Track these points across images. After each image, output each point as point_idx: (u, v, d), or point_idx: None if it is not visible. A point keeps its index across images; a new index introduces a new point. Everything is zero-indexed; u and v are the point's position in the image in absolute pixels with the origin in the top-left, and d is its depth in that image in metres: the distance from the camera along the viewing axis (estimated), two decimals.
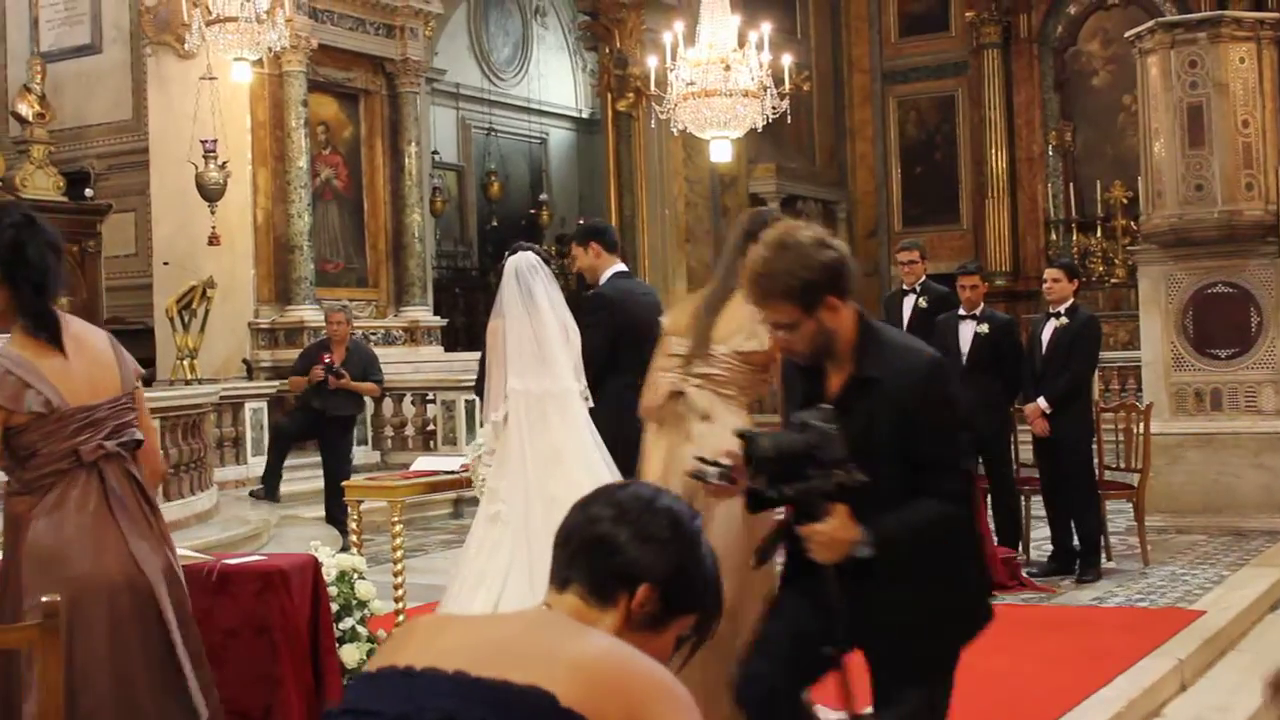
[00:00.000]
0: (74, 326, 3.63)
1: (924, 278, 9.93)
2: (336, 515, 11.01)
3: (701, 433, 4.78)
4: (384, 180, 16.43)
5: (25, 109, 15.44)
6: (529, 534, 5.46)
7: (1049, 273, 9.26)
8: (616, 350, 6.29)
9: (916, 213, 23.80)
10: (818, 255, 3.41)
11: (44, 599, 3.13)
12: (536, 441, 5.52)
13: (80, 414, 3.53)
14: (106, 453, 3.54)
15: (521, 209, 23.51)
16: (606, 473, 5.47)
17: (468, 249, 23.29)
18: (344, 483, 7.23)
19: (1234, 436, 10.64)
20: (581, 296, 7.04)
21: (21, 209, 3.67)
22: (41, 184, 15.14)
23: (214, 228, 13.79)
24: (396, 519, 6.50)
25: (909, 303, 9.85)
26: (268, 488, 11.71)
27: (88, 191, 15.73)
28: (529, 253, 5.84)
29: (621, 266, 6.70)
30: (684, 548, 2.18)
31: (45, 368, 3.52)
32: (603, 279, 6.62)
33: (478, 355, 17.00)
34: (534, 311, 5.65)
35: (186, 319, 13.72)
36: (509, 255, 5.84)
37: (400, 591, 6.46)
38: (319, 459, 11.68)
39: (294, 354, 13.58)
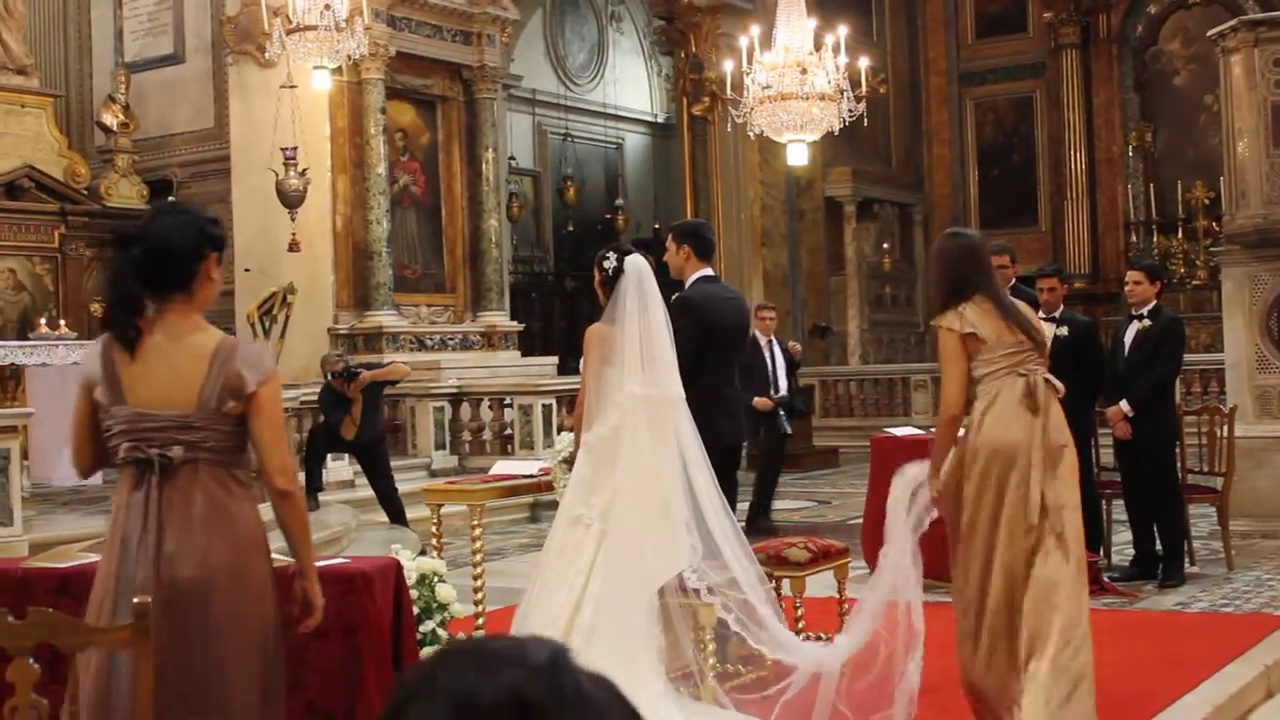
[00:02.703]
0: (169, 336, 3.65)
1: (1014, 281, 9.82)
2: (395, 522, 11.18)
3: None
4: (461, 186, 16.54)
5: (110, 119, 15.68)
6: (611, 538, 5.49)
7: (1131, 275, 9.16)
8: (703, 355, 6.27)
9: (994, 215, 23.65)
10: None
11: (135, 600, 3.19)
12: (644, 447, 5.51)
13: (134, 417, 3.58)
14: (135, 459, 3.57)
15: (597, 214, 23.59)
16: (708, 488, 5.47)
17: (544, 254, 23.40)
18: (424, 487, 7.26)
19: None
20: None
21: (126, 230, 3.75)
22: (125, 192, 15.39)
23: (294, 234, 13.95)
24: (476, 523, 6.54)
25: None
26: (309, 495, 11.54)
27: (170, 199, 15.96)
28: (640, 256, 5.80)
29: (708, 271, 6.68)
30: None
31: (123, 365, 3.62)
32: (688, 282, 6.61)
33: (554, 359, 17.19)
34: (651, 316, 5.62)
35: (267, 324, 13.88)
36: (620, 257, 5.77)
37: (480, 595, 6.50)
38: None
39: (372, 359, 13.70)
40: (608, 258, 5.79)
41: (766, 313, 12.77)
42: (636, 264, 5.69)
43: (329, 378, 11.33)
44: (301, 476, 11.39)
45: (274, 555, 3.90)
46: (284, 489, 3.67)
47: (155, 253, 3.63)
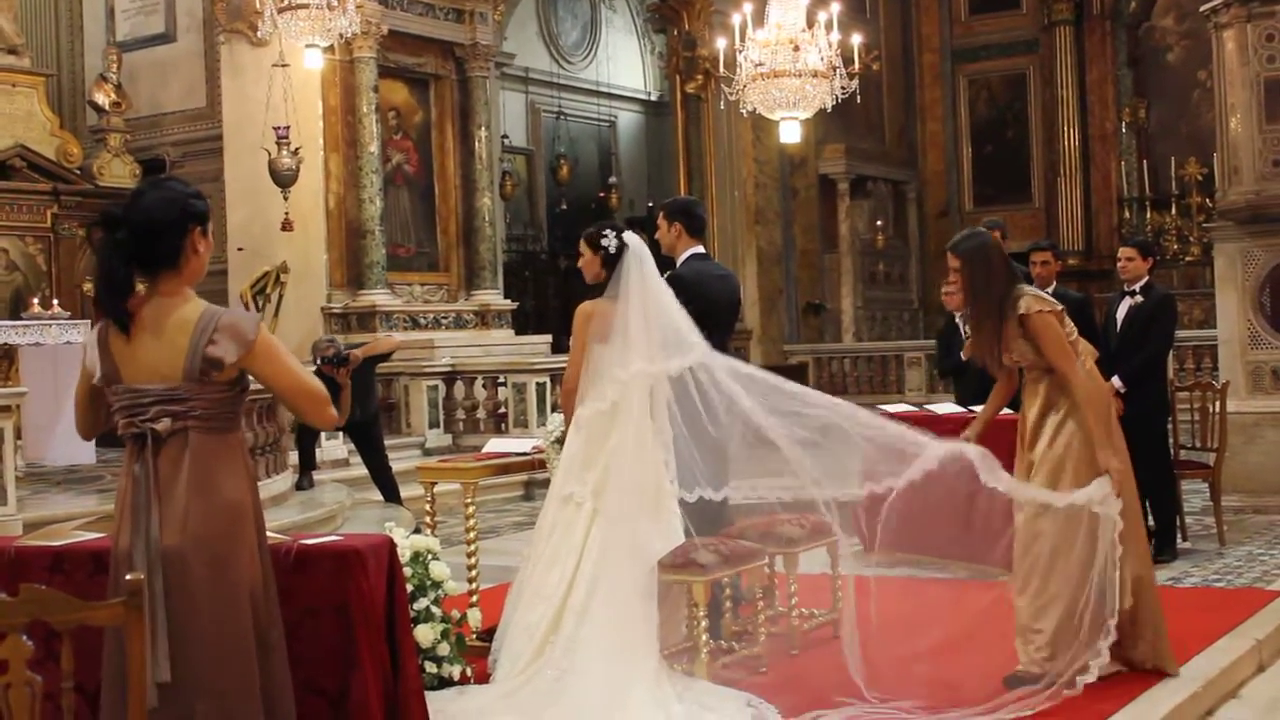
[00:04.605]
0: (157, 312, 3.68)
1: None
2: (390, 500, 11.22)
3: None
4: (454, 165, 16.52)
5: (102, 98, 15.64)
6: (605, 516, 5.50)
7: (1123, 251, 9.16)
8: None
9: (988, 192, 23.65)
10: None
11: (128, 577, 3.21)
12: (646, 425, 5.52)
13: (129, 393, 3.65)
14: (132, 434, 3.65)
15: (591, 192, 23.54)
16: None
17: (537, 232, 23.37)
18: (418, 465, 7.25)
19: None
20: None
21: (110, 211, 3.75)
22: (118, 172, 15.35)
23: (287, 213, 13.93)
24: (469, 501, 6.55)
25: None
26: (303, 474, 11.58)
27: (161, 177, 15.90)
28: (634, 234, 5.82)
29: (700, 249, 6.69)
30: None
31: (116, 345, 3.67)
32: (680, 259, 6.62)
33: (548, 338, 17.16)
34: (654, 293, 5.65)
35: (261, 304, 13.86)
36: (616, 235, 5.79)
37: (473, 572, 6.50)
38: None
39: (366, 338, 13.69)
40: (605, 236, 5.80)
41: (950, 288, 12.60)
42: (636, 241, 5.73)
43: (319, 363, 11.32)
44: (295, 456, 11.49)
45: (270, 533, 3.92)
46: (318, 416, 3.82)
47: (140, 231, 3.65)
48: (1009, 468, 5.75)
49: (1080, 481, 5.58)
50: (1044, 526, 5.60)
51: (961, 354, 11.49)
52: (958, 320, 11.64)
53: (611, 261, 5.73)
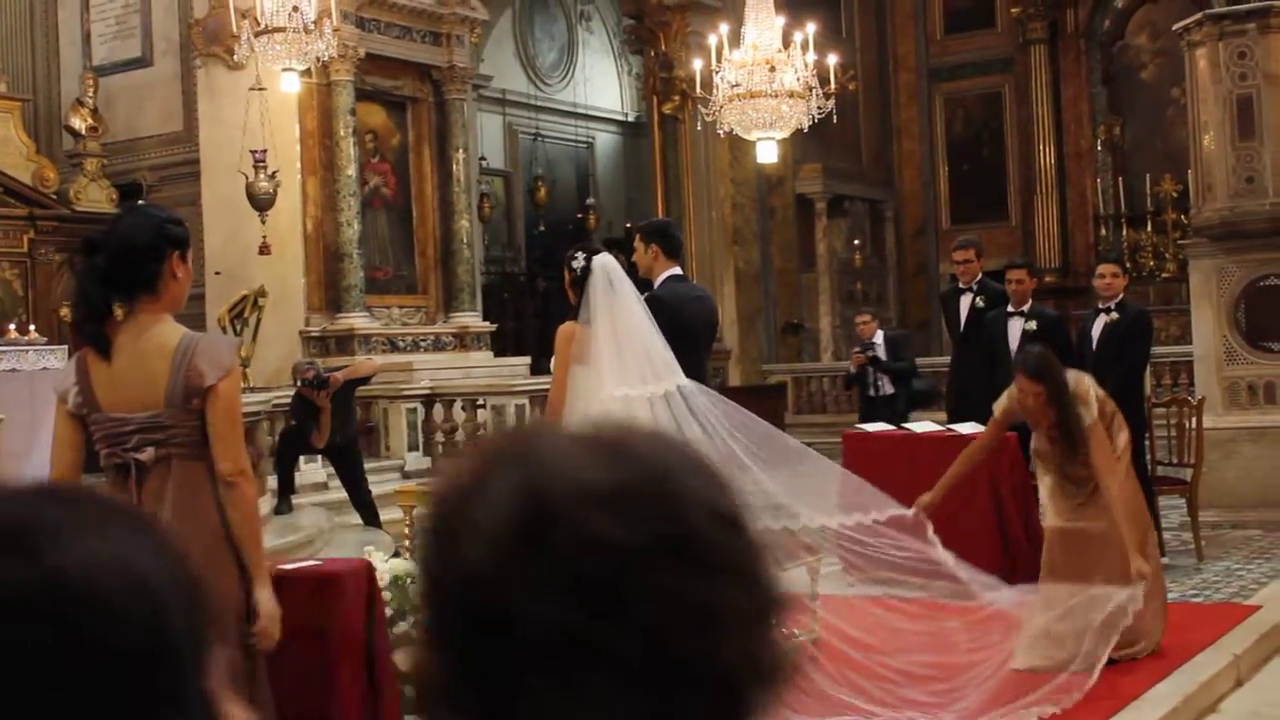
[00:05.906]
0: (135, 337, 3.69)
1: (980, 276, 9.85)
2: (369, 524, 11.21)
3: None
4: (432, 187, 16.51)
5: (78, 123, 15.61)
6: None
7: (1106, 268, 9.15)
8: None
9: (964, 210, 23.73)
10: None
11: None
12: None
13: (109, 422, 3.66)
14: (114, 463, 3.66)
15: (569, 214, 23.58)
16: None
17: (516, 254, 23.38)
18: (397, 489, 7.25)
19: None
20: None
21: (90, 236, 3.76)
22: (95, 196, 15.31)
23: (264, 237, 13.90)
24: None
25: (965, 301, 9.80)
26: (282, 498, 11.54)
27: (140, 203, 15.87)
28: (608, 255, 5.82)
29: (677, 270, 6.70)
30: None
31: (96, 372, 3.67)
32: (657, 281, 6.63)
33: (527, 360, 17.16)
34: (623, 315, 5.64)
35: (238, 328, 13.84)
36: (587, 257, 5.79)
37: None
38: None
39: (345, 361, 13.68)
40: (575, 258, 5.81)
41: (861, 318, 13.28)
42: (604, 263, 5.72)
43: (299, 385, 11.31)
44: (274, 480, 11.46)
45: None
46: (229, 478, 3.69)
47: (118, 255, 3.66)
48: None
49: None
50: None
51: (851, 365, 11.84)
52: (871, 340, 12.03)
53: (579, 283, 5.74)
